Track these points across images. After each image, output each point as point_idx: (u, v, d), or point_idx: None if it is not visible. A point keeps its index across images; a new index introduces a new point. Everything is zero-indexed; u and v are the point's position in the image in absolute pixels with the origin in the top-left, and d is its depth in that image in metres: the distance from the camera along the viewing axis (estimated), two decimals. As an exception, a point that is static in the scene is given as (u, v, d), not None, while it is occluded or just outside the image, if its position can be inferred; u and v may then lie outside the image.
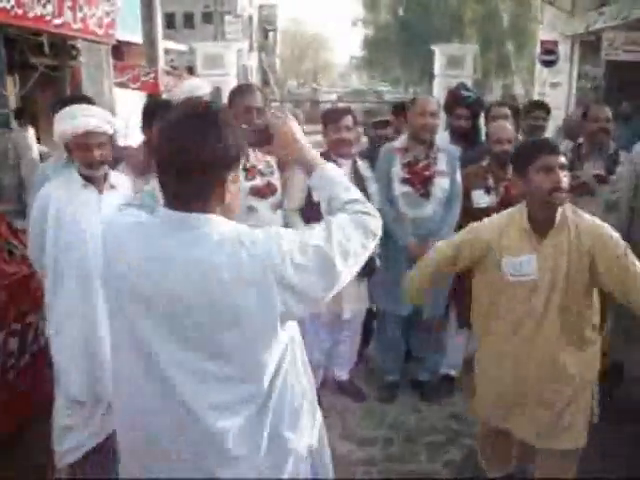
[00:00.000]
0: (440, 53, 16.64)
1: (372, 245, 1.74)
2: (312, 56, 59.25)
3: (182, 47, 19.95)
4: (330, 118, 3.99)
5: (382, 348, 4.53)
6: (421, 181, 4.01)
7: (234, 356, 1.56)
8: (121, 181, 3.35)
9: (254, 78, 33.36)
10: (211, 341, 1.55)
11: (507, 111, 4.78)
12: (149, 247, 1.58)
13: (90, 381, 3.16)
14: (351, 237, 1.66)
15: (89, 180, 3.15)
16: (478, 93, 5.36)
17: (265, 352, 1.58)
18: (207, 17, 35.46)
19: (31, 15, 3.39)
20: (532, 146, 2.74)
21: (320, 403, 4.00)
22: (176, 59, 20.68)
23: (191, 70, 17.00)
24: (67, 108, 3.17)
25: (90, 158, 3.08)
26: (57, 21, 3.59)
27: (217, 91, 14.75)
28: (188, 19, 36.29)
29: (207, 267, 1.52)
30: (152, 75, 8.19)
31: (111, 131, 3.15)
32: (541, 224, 2.68)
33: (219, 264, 1.52)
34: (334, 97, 34.54)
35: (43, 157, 8.74)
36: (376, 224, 1.76)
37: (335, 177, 1.85)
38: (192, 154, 1.52)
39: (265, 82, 35.44)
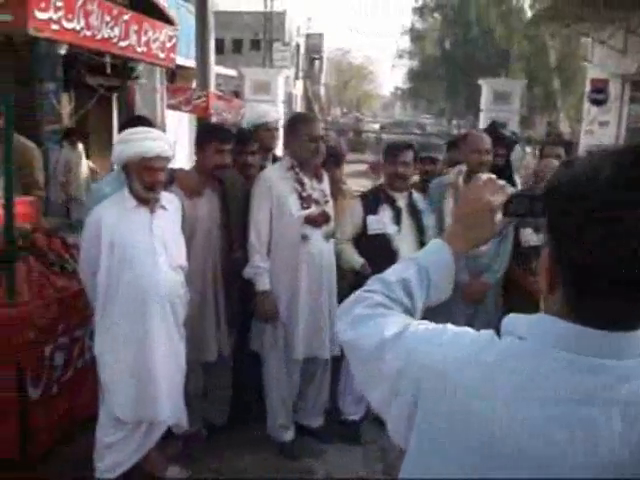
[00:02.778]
0: (487, 87, 16.66)
1: None
2: (356, 86, 59.74)
3: (230, 72, 20.29)
4: (390, 152, 4.03)
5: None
6: (474, 216, 3.97)
7: None
8: (172, 202, 3.38)
9: (299, 105, 33.71)
10: None
11: (561, 151, 4.79)
12: (548, 392, 0.98)
13: (135, 402, 3.16)
14: None
15: (142, 201, 3.17)
16: (520, 130, 5.51)
17: None
18: (255, 44, 36.11)
19: (99, 37, 3.46)
20: None
21: (360, 437, 4.02)
22: (223, 83, 21.04)
23: (237, 95, 17.27)
24: (133, 130, 3.22)
25: (155, 181, 3.12)
26: (123, 43, 3.67)
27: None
28: (236, 45, 36.92)
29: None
30: (203, 99, 8.31)
31: (172, 155, 3.20)
32: None
33: None
34: (377, 127, 34.74)
35: (92, 174, 8.94)
36: None
37: None
38: None
39: (309, 110, 35.76)
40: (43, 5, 2.97)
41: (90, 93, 9.78)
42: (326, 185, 3.84)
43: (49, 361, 3.69)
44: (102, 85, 9.59)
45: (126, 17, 3.74)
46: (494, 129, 4.93)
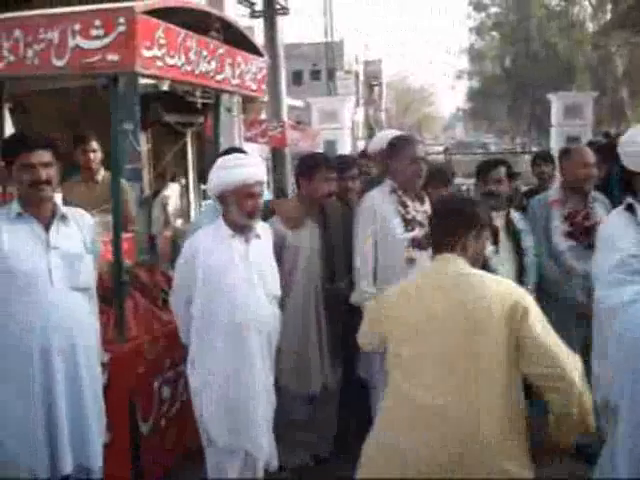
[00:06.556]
0: (557, 102, 16.32)
1: None
2: (416, 109, 59.61)
3: (295, 102, 20.57)
4: (482, 170, 3.97)
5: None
6: (583, 232, 3.86)
7: None
8: (265, 231, 3.35)
9: (360, 132, 33.83)
10: None
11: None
12: None
13: (230, 433, 3.10)
14: None
15: (238, 229, 3.14)
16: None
17: None
18: (314, 74, 36.72)
19: (197, 72, 3.52)
20: None
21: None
22: (287, 113, 21.42)
23: (298, 125, 17.50)
24: (229, 157, 3.24)
25: (255, 207, 3.09)
26: (219, 77, 3.72)
27: (331, 145, 15.11)
28: (297, 76, 37.52)
29: None
30: (279, 130, 8.40)
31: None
32: None
33: None
34: (441, 149, 34.51)
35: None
36: None
37: None
38: None
39: (371, 136, 35.85)
40: (149, 43, 3.04)
41: (167, 131, 9.99)
42: (428, 206, 3.77)
43: (158, 395, 3.71)
44: (179, 122, 9.78)
45: (221, 50, 3.80)
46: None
